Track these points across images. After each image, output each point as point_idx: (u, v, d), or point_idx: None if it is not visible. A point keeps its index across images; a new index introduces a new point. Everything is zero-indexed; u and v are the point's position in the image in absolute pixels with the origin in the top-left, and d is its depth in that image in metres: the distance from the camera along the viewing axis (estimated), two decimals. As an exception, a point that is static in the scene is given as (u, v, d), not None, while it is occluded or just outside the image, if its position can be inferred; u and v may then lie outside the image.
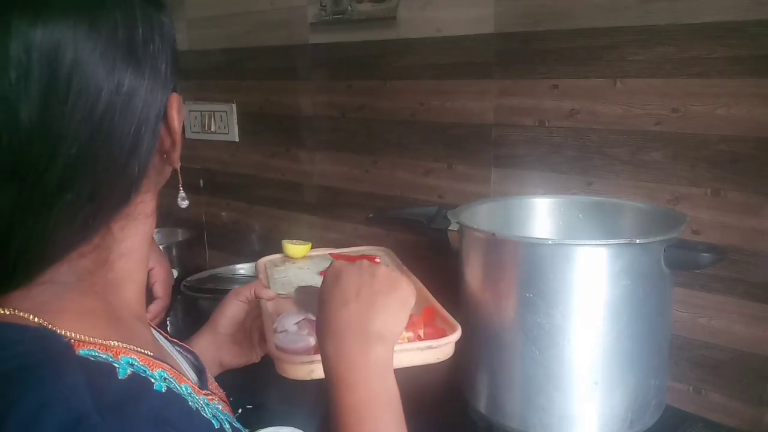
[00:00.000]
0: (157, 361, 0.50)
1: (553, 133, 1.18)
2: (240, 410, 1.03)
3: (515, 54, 1.20)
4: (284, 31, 1.59)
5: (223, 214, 1.92)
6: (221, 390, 0.70)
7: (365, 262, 0.68)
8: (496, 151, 1.27)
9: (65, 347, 0.45)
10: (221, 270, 1.68)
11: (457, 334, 0.83)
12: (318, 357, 0.77)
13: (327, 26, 1.49)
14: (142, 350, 0.50)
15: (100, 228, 0.49)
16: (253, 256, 1.70)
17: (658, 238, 0.86)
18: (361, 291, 0.64)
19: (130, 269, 0.53)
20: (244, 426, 0.57)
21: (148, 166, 0.49)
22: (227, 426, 0.54)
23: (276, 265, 1.12)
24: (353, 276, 0.66)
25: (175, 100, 0.51)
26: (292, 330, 0.86)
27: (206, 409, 0.52)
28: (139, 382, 0.46)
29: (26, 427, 0.40)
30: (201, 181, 1.94)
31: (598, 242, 0.87)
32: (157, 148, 0.50)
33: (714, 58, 0.99)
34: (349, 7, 1.42)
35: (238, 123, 1.79)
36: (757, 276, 1.00)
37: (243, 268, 1.68)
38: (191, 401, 0.50)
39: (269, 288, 0.94)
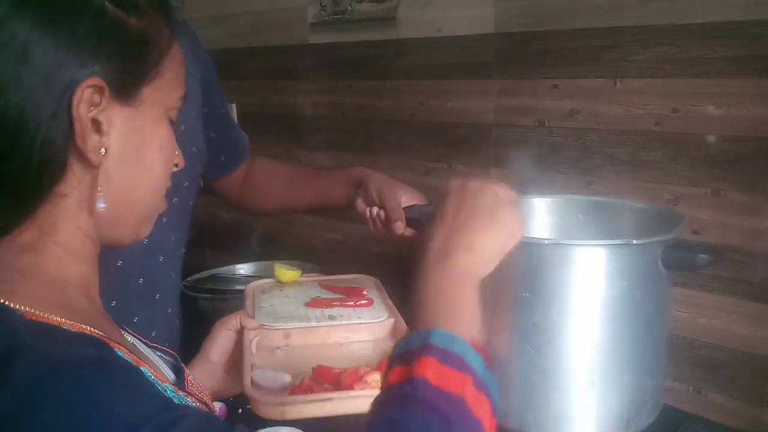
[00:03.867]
0: (116, 343, 0.48)
1: (553, 133, 1.18)
2: (240, 410, 1.03)
3: (515, 54, 1.20)
4: (284, 31, 1.59)
5: (223, 214, 1.92)
6: (204, 392, 0.69)
7: (478, 184, 0.64)
8: (496, 151, 1.26)
9: (17, 317, 0.44)
10: (221, 270, 1.68)
11: None
12: (291, 398, 0.76)
13: (327, 26, 1.49)
14: (100, 332, 0.48)
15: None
16: (253, 257, 1.70)
17: (655, 239, 0.85)
18: (459, 212, 0.62)
19: (77, 270, 0.51)
20: (245, 426, 0.57)
21: (40, 147, 0.45)
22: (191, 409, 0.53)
23: (264, 292, 1.12)
24: (455, 197, 0.63)
25: (88, 84, 0.45)
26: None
27: (168, 391, 0.51)
28: (89, 338, 0.46)
29: None
30: (201, 181, 1.94)
31: (594, 242, 0.87)
32: (67, 134, 0.46)
33: (714, 58, 0.98)
34: (349, 7, 1.42)
35: (238, 123, 1.79)
36: (757, 276, 1.00)
37: (243, 268, 1.68)
38: (149, 377, 0.49)
39: (254, 318, 0.93)
